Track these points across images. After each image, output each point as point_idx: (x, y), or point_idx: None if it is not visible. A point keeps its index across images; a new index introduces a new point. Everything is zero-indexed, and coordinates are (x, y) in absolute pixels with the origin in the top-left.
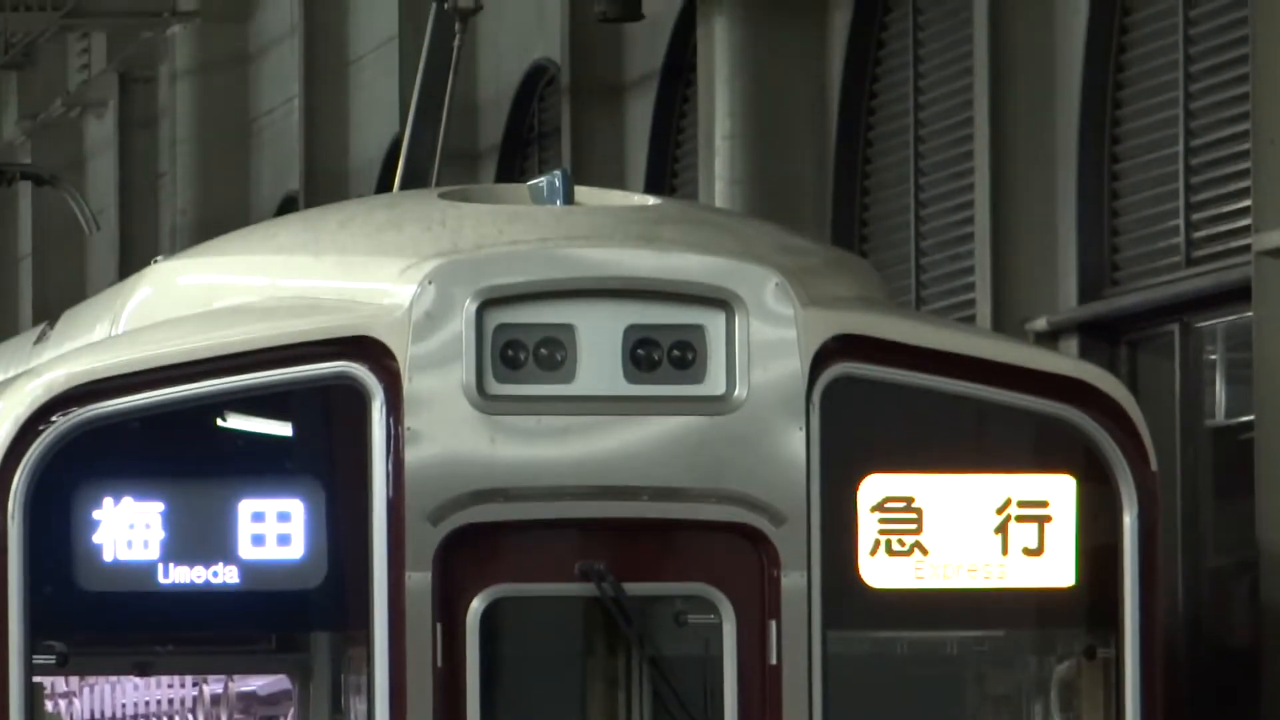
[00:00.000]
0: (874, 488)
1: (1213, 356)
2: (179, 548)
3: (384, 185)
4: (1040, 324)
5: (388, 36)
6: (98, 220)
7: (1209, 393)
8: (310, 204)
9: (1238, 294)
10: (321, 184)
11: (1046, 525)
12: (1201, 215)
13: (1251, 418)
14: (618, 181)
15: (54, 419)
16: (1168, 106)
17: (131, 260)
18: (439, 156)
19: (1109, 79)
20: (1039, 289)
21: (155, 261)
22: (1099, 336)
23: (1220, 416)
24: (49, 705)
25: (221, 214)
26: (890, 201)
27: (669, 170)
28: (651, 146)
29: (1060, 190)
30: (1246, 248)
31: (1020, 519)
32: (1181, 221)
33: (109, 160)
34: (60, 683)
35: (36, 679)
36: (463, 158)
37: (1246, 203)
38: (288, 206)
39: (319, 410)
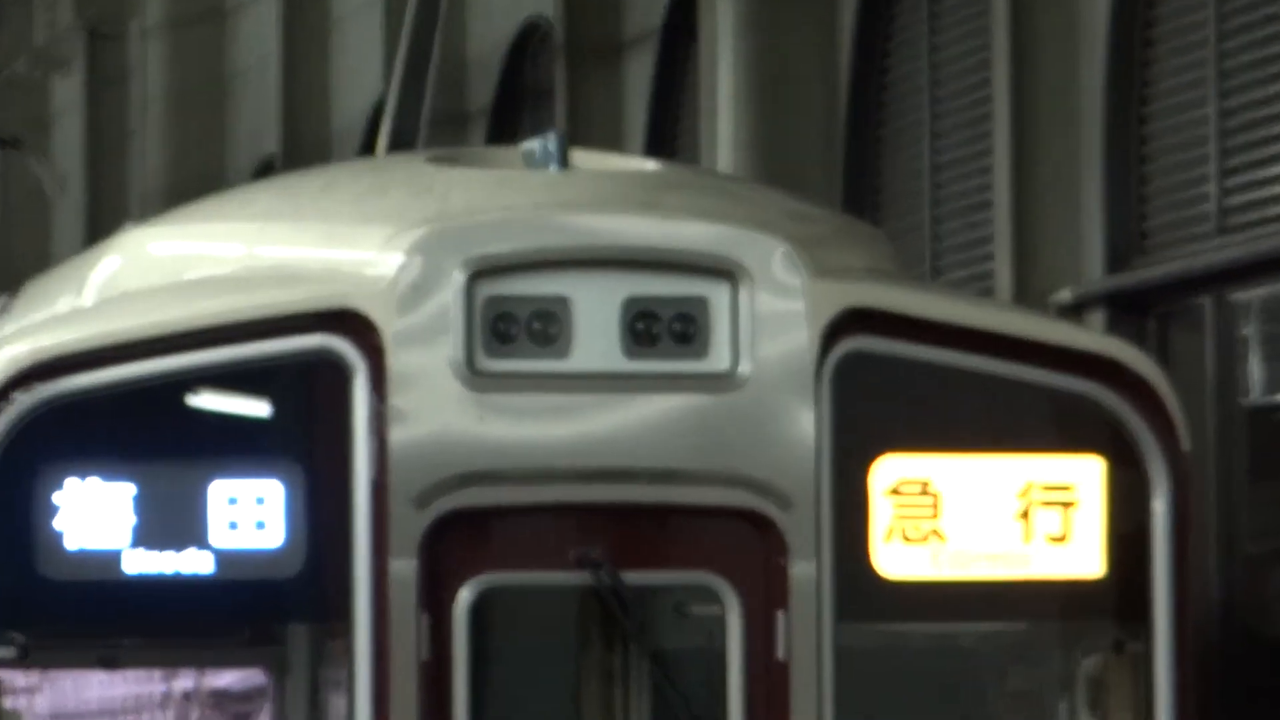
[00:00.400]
0: (888, 470)
1: (1248, 331)
2: (148, 533)
3: (367, 149)
4: (1064, 296)
5: None
6: (64, 184)
7: (1244, 369)
8: (289, 168)
9: (1274, 264)
10: (301, 147)
11: (1072, 511)
12: (1236, 180)
13: None
14: (615, 145)
15: (15, 395)
16: (1200, 65)
17: (100, 227)
18: (426, 119)
19: (1138, 34)
20: (1063, 259)
21: (125, 228)
22: (1127, 309)
23: (1256, 394)
24: (8, 701)
25: (195, 178)
26: (904, 165)
27: (669, 133)
28: (651, 108)
29: (1085, 153)
30: None
31: (1043, 504)
32: (1214, 187)
33: (76, 121)
34: (20, 677)
35: None
36: (451, 120)
37: None
38: (265, 170)
39: (298, 387)
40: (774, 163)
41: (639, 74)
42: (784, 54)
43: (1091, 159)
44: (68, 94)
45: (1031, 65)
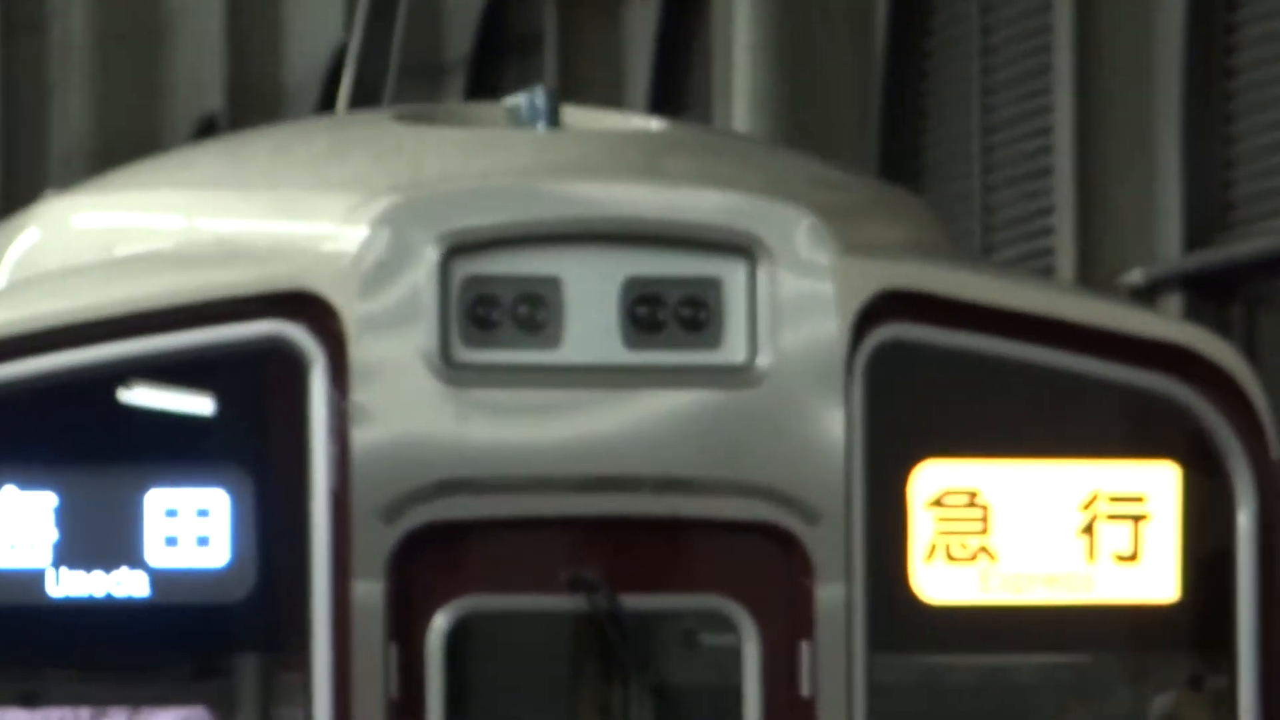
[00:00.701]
0: (930, 478)
1: None
2: (74, 550)
3: (326, 105)
4: (1135, 277)
5: None
6: None
7: None
8: (235, 127)
9: None
10: (249, 102)
11: (1142, 525)
12: None
13: None
14: (614, 100)
15: None
16: None
17: (14, 196)
18: (394, 70)
19: None
20: (1134, 235)
21: (45, 197)
22: (1207, 293)
23: None
24: None
25: (125, 138)
26: (950, 125)
27: (677, 88)
28: (656, 57)
29: (1161, 111)
30: None
31: (1110, 517)
32: None
33: None
34: None
35: None
36: (424, 72)
37: None
38: (207, 130)
39: (246, 381)
40: (798, 122)
41: (642, 18)
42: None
43: (1168, 118)
44: None
45: (1099, 8)
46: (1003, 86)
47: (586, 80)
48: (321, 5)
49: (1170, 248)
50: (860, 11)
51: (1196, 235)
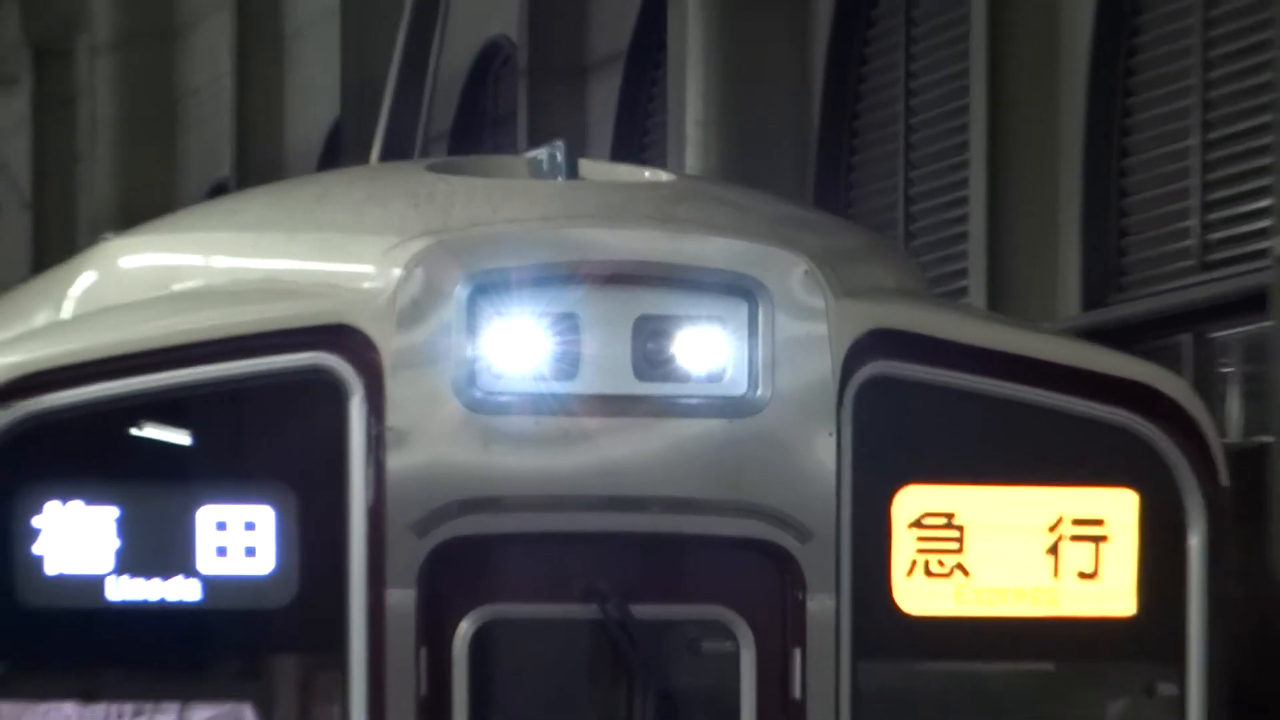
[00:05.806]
0: (911, 501)
1: (1228, 369)
2: (133, 559)
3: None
4: None
5: (328, 8)
6: (27, 201)
7: (1223, 409)
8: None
9: (1255, 302)
10: (255, 170)
11: (1103, 545)
12: (1217, 215)
13: (1270, 438)
14: None
15: None
16: (1183, 95)
17: (47, 253)
18: (420, 141)
19: (1119, 62)
20: (1038, 295)
21: (104, 239)
22: (1104, 347)
23: (1235, 435)
24: None
25: (145, 203)
26: (877, 197)
27: (636, 160)
28: (616, 134)
29: (1063, 185)
30: (1265, 251)
31: (1074, 538)
32: (1195, 222)
33: (22, 142)
34: None
35: None
36: (410, 145)
37: (1266, 202)
38: (217, 195)
39: (291, 407)
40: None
41: (604, 98)
42: (755, 78)
43: (1069, 191)
44: (13, 114)
45: (1009, 97)
46: (924, 161)
47: None
48: (319, 84)
49: (1070, 306)
50: (800, 98)
51: (1093, 296)
